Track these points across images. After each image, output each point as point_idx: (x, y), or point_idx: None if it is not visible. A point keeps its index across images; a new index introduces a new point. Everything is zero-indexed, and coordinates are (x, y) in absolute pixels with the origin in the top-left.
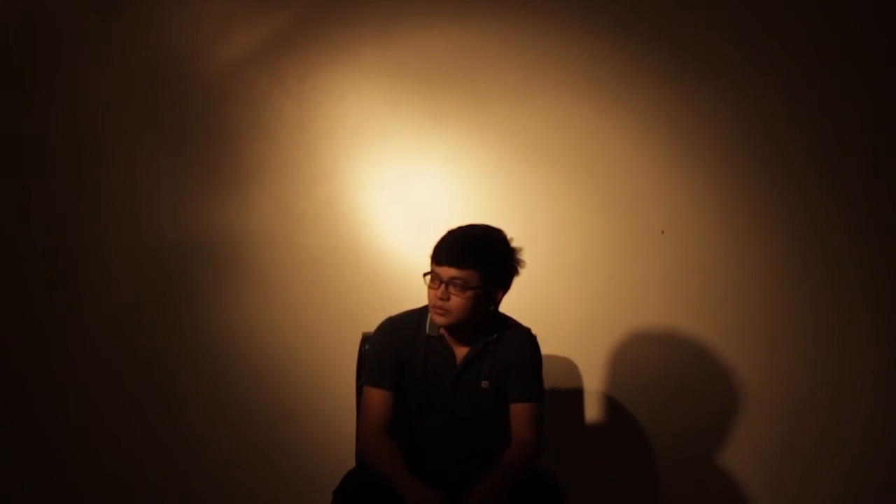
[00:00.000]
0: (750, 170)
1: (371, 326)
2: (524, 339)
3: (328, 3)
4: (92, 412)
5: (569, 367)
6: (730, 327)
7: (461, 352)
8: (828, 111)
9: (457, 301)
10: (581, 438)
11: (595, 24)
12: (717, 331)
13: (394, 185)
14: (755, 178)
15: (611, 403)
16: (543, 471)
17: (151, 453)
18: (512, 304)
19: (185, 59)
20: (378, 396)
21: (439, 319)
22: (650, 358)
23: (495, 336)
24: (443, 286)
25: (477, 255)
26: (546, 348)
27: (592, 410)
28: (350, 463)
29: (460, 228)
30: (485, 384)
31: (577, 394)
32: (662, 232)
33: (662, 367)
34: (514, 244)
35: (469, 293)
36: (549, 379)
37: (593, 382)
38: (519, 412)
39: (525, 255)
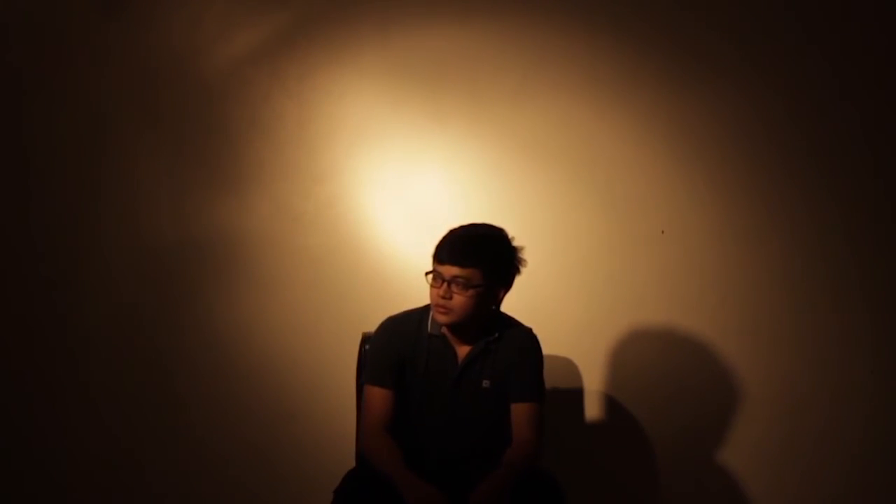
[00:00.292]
0: (750, 170)
1: (371, 326)
2: (525, 338)
3: (328, 3)
4: (92, 412)
5: (569, 366)
6: (730, 327)
7: (462, 351)
8: (828, 111)
9: (459, 300)
10: (581, 438)
11: (595, 24)
12: (717, 330)
13: (394, 185)
14: (755, 178)
15: (611, 403)
16: (543, 471)
17: (151, 453)
18: (512, 304)
19: (185, 59)
20: (379, 395)
21: (441, 318)
22: (650, 358)
23: (497, 335)
24: (445, 285)
25: (479, 254)
26: (546, 348)
27: (592, 410)
28: (350, 463)
29: (462, 227)
30: (486, 384)
31: (577, 394)
32: (662, 232)
33: (662, 366)
34: (515, 243)
35: (471, 292)
36: (549, 379)
37: (593, 382)
38: (520, 412)
39: (525, 255)
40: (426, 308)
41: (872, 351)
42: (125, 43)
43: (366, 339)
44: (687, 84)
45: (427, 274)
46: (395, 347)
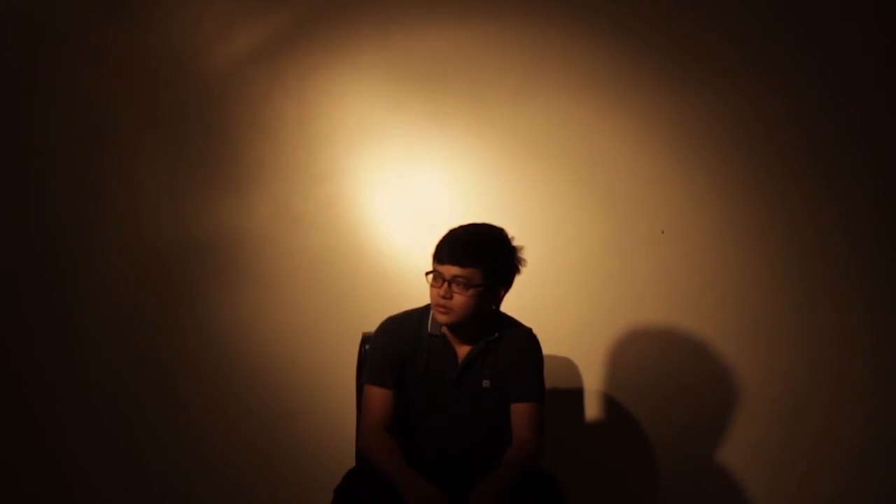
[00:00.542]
0: (750, 170)
1: (371, 326)
2: (525, 338)
3: (328, 3)
4: (92, 412)
5: (569, 366)
6: (729, 327)
7: (462, 351)
8: (828, 111)
9: (459, 299)
10: (581, 438)
11: (595, 24)
12: (717, 330)
13: (394, 185)
14: (755, 178)
15: (611, 403)
16: (543, 471)
17: (151, 453)
18: (512, 304)
19: (185, 59)
20: (379, 395)
21: (442, 318)
22: (650, 358)
23: (497, 335)
24: (445, 284)
25: (479, 254)
26: (546, 348)
27: (592, 410)
28: (350, 462)
29: (462, 227)
30: (486, 383)
31: (577, 394)
32: (662, 232)
33: (662, 366)
34: (514, 243)
35: (472, 291)
36: (549, 379)
37: (593, 382)
38: (520, 412)
39: (525, 255)
40: (426, 308)
41: (872, 351)
42: (125, 43)
43: (366, 339)
44: (687, 84)
45: (427, 274)
46: (395, 347)
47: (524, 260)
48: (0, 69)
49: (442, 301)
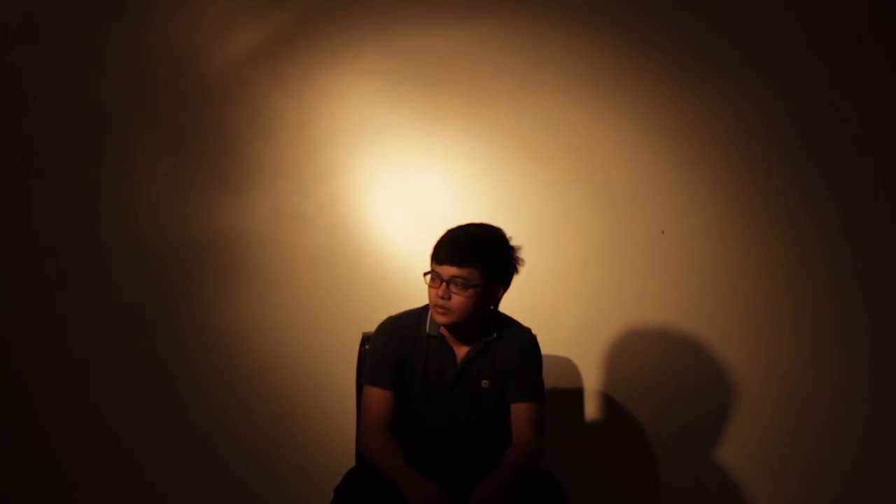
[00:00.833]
0: (750, 170)
1: (371, 326)
2: (524, 338)
3: (328, 3)
4: (92, 412)
5: (569, 366)
6: (729, 327)
7: (461, 351)
8: (828, 111)
9: (458, 300)
10: (581, 438)
11: (595, 24)
12: (717, 330)
13: (394, 185)
14: (755, 178)
15: (610, 403)
16: (543, 471)
17: (151, 453)
18: (511, 304)
19: (185, 59)
20: (378, 395)
21: (440, 318)
22: (650, 358)
23: (496, 335)
24: (444, 285)
25: (477, 254)
26: (546, 348)
27: (592, 410)
28: (350, 462)
29: (460, 227)
30: (485, 384)
31: (577, 394)
32: (662, 232)
33: (662, 366)
34: (512, 243)
35: (470, 291)
36: (549, 379)
37: (593, 382)
38: (520, 412)
39: (524, 255)
40: (425, 308)
41: (872, 351)
42: (125, 43)
43: (365, 339)
44: (687, 84)
45: (425, 274)
46: (395, 347)
47: (522, 260)
48: (0, 69)
49: (440, 301)
